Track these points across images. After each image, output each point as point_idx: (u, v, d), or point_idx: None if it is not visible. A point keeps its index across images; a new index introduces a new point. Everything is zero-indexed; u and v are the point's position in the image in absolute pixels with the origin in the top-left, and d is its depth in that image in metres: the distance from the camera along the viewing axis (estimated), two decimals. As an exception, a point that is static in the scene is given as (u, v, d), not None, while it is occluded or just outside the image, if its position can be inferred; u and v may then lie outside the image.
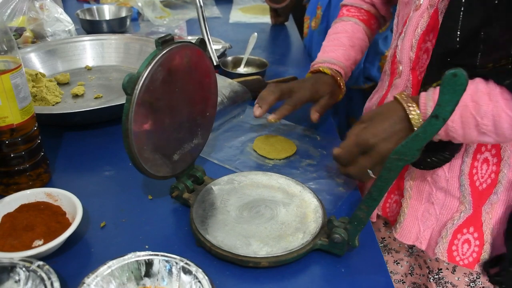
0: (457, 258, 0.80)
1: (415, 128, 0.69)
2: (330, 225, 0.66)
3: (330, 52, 1.01)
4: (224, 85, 1.04)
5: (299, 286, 0.62)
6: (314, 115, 0.93)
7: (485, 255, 0.79)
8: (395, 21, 0.88)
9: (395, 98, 0.74)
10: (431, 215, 0.82)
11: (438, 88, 0.67)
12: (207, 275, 0.55)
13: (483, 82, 0.65)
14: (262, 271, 0.64)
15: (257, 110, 0.90)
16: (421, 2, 0.76)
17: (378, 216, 0.94)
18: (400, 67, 0.81)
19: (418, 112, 0.70)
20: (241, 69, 1.28)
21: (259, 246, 0.65)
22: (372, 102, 0.96)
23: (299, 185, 0.77)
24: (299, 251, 0.64)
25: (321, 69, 0.97)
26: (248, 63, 1.29)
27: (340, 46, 1.02)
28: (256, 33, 1.33)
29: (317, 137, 0.98)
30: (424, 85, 0.73)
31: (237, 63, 1.30)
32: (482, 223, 0.79)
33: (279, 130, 1.00)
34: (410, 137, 0.55)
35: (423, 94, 0.70)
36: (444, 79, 0.50)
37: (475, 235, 0.79)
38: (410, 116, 0.70)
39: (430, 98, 0.69)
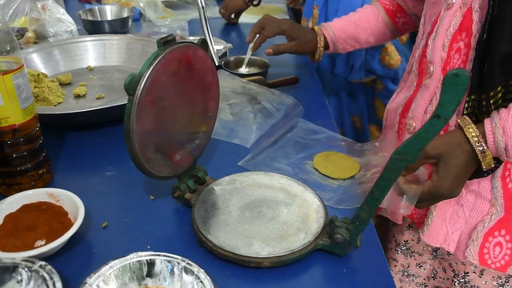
0: (489, 261, 0.79)
1: (484, 168, 0.69)
2: (332, 225, 0.65)
3: (333, 21, 1.15)
4: (274, 98, 1.04)
5: (301, 286, 0.62)
6: (267, 50, 1.13)
7: None
8: (422, 20, 0.88)
9: (460, 128, 0.70)
10: (459, 217, 0.81)
11: (503, 112, 0.67)
12: (209, 275, 0.55)
13: None
14: (264, 271, 0.64)
15: (252, 43, 1.15)
16: (454, 1, 0.76)
17: (403, 218, 0.92)
18: (431, 67, 0.80)
19: (488, 152, 0.68)
20: (243, 70, 1.28)
21: (261, 246, 0.65)
22: (397, 103, 0.94)
23: (301, 185, 0.77)
24: (301, 251, 0.64)
25: (315, 28, 1.14)
26: (250, 64, 1.29)
27: (344, 20, 1.14)
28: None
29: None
30: (480, 92, 0.71)
31: (238, 63, 1.30)
32: None
33: (338, 147, 0.95)
34: (412, 137, 0.55)
35: (488, 123, 0.68)
36: (445, 79, 0.50)
37: (507, 237, 0.78)
38: (481, 159, 0.68)
39: (498, 125, 0.67)
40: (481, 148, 0.68)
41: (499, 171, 0.76)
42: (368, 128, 1.56)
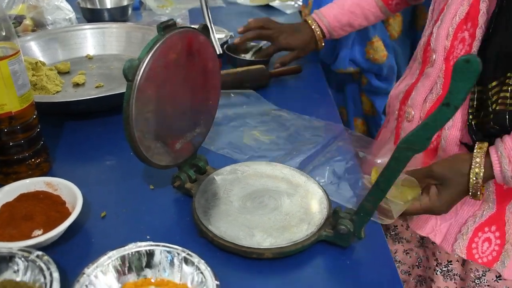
0: (476, 256, 0.79)
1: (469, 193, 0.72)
2: (336, 216, 0.64)
3: (327, 9, 1.14)
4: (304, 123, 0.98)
5: (303, 278, 0.61)
6: (276, 65, 1.15)
7: (505, 254, 0.78)
8: (431, 7, 0.86)
9: (469, 156, 0.71)
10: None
11: (507, 141, 0.68)
12: (209, 266, 0.54)
13: None
14: (265, 262, 0.63)
15: (236, 39, 1.18)
16: None
17: None
18: (434, 56, 0.79)
19: (480, 193, 0.71)
20: (248, 56, 1.27)
21: (262, 237, 0.63)
22: (399, 90, 0.93)
23: (304, 175, 0.76)
24: (303, 242, 0.63)
25: (307, 18, 1.15)
26: (249, 50, 1.28)
27: (338, 7, 1.13)
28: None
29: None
30: (479, 85, 0.71)
31: (240, 49, 1.28)
32: (505, 222, 0.77)
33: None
34: (420, 126, 0.53)
35: (493, 152, 0.69)
36: (456, 65, 0.49)
37: (497, 234, 0.78)
38: (471, 196, 0.72)
39: (504, 155, 0.67)
40: (476, 191, 0.71)
41: None
42: (353, 121, 1.55)
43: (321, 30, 1.13)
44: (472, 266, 0.81)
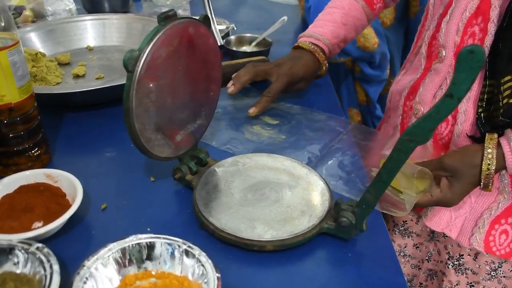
0: (494, 249, 0.79)
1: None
2: (337, 208, 0.64)
3: (319, 27, 1.01)
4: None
5: (305, 271, 0.61)
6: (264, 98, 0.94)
7: None
8: (431, 1, 0.85)
9: (480, 148, 0.71)
10: (465, 203, 0.80)
11: None
12: (210, 259, 0.54)
13: None
14: (267, 255, 0.63)
15: (230, 88, 0.94)
16: None
17: None
18: (444, 52, 0.78)
19: (491, 183, 0.70)
20: (248, 48, 1.26)
21: (264, 229, 0.63)
22: (402, 85, 0.91)
23: (305, 167, 0.75)
24: (305, 234, 0.63)
25: (300, 44, 0.99)
26: (251, 42, 1.27)
27: (331, 22, 1.01)
28: (286, 17, 1.29)
29: None
30: (492, 79, 0.70)
31: (240, 42, 1.27)
32: None
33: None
34: (423, 117, 0.53)
35: (505, 143, 0.68)
36: (459, 56, 0.48)
37: None
38: (482, 187, 0.71)
39: None
40: (487, 182, 0.70)
41: None
42: (348, 112, 1.53)
43: (322, 50, 0.99)
44: (487, 259, 0.81)
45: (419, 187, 0.73)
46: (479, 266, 0.82)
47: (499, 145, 0.69)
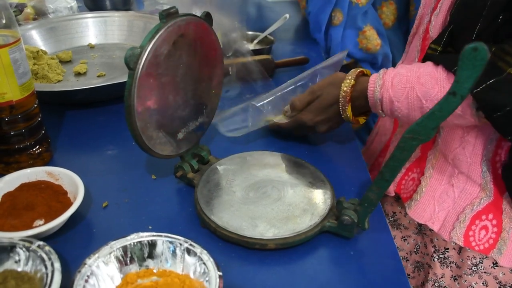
0: (473, 243, 0.79)
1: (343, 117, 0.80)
2: (340, 207, 0.64)
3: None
4: None
5: (307, 269, 0.61)
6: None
7: (501, 242, 0.78)
8: None
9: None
10: (449, 197, 0.81)
11: (390, 68, 0.74)
12: (211, 257, 0.53)
13: (433, 66, 0.68)
14: (268, 253, 0.62)
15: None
16: None
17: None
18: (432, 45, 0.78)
19: (348, 108, 0.78)
20: (250, 46, 1.26)
21: (265, 228, 0.63)
22: None
23: (307, 165, 0.75)
24: (307, 233, 0.62)
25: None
26: (253, 40, 1.27)
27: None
28: (288, 15, 1.29)
29: None
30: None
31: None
32: (502, 211, 0.77)
33: None
34: (426, 115, 0.53)
35: (374, 75, 0.75)
36: (463, 54, 0.47)
37: (494, 222, 0.78)
38: (341, 108, 0.79)
39: (380, 77, 0.73)
40: (344, 106, 0.78)
41: (488, 155, 0.74)
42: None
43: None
44: (469, 254, 0.81)
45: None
46: (462, 260, 0.83)
47: (365, 75, 0.78)
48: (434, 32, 0.78)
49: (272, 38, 1.24)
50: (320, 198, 0.68)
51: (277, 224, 0.63)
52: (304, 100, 0.83)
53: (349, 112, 0.79)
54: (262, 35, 1.26)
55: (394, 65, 1.45)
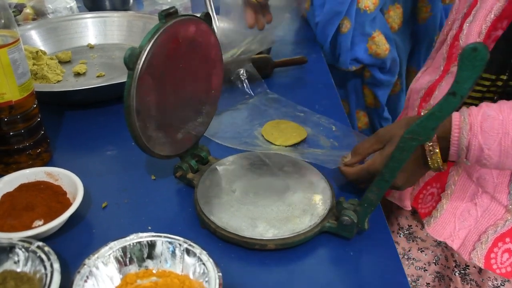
0: (494, 266, 0.76)
1: (430, 166, 0.65)
2: (339, 207, 0.63)
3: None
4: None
5: (306, 269, 0.61)
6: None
7: None
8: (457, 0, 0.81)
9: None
10: (471, 215, 0.77)
11: (473, 109, 0.61)
12: (211, 257, 0.53)
13: None
14: (268, 253, 0.62)
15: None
16: None
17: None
18: None
19: (439, 155, 0.64)
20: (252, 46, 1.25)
21: (265, 228, 0.63)
22: (420, 84, 0.87)
23: (307, 166, 0.75)
24: (306, 233, 0.62)
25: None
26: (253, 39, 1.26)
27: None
28: (288, 15, 1.29)
29: (332, 127, 0.92)
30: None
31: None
32: None
33: (295, 117, 0.95)
34: (425, 116, 0.53)
35: (456, 116, 0.62)
36: (462, 54, 0.47)
37: None
38: (428, 156, 0.65)
39: (467, 121, 0.61)
40: (431, 146, 0.64)
41: None
42: (355, 114, 1.53)
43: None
44: (490, 275, 0.79)
45: (289, 142, 0.85)
46: (483, 280, 0.80)
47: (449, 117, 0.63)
48: (465, 41, 0.72)
49: (272, 37, 1.24)
50: (319, 199, 0.68)
51: (276, 225, 0.63)
52: (370, 148, 0.71)
53: (439, 156, 0.64)
54: (257, 36, 1.24)
55: (401, 70, 1.45)
